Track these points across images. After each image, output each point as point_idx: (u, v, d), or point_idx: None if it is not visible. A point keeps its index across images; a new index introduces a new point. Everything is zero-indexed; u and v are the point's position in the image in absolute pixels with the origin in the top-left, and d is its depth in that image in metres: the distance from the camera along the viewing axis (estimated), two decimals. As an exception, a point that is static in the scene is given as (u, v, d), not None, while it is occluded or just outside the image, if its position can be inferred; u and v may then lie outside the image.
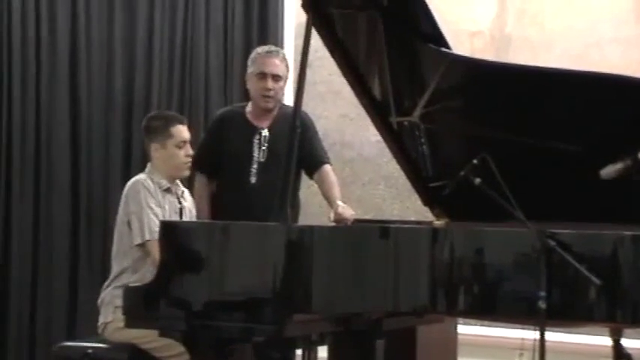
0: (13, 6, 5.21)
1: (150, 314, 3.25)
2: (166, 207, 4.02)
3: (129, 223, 3.95)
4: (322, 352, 3.77)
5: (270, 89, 4.41)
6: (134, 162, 5.23)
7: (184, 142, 4.09)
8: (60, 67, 5.34)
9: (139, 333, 3.71)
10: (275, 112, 4.51)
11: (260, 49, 4.60)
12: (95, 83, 5.41)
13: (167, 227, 3.36)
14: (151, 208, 3.94)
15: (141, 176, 4.06)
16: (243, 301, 3.10)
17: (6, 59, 5.22)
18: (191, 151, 4.13)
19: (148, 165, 4.13)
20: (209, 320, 3.13)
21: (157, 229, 3.84)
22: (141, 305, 3.26)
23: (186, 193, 4.24)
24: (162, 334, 3.36)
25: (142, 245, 3.91)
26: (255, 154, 4.44)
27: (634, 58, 4.82)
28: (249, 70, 4.51)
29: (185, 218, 4.11)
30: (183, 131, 4.10)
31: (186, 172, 4.16)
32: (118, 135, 5.42)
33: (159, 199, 4.00)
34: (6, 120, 5.22)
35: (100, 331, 3.99)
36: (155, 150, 4.09)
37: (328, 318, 3.31)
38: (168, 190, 4.06)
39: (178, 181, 4.18)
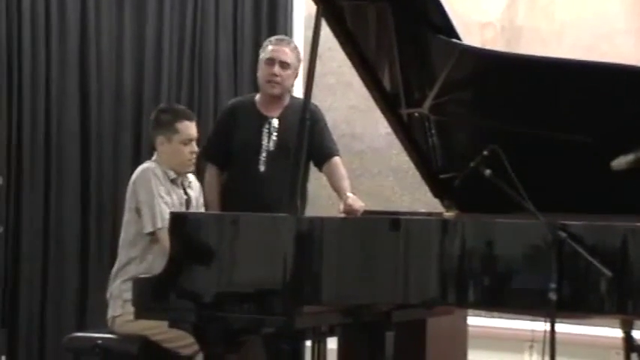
0: (23, 2, 5.22)
1: (160, 305, 3.25)
2: (174, 197, 4.02)
3: (138, 211, 3.95)
4: (332, 343, 3.77)
5: (276, 75, 4.42)
6: (144, 155, 5.21)
7: (190, 139, 4.06)
8: (70, 61, 5.34)
9: (149, 324, 3.72)
10: (286, 103, 4.52)
11: (272, 38, 4.64)
12: (105, 76, 5.42)
13: (177, 219, 3.36)
14: (162, 197, 3.94)
15: (150, 164, 4.06)
16: (253, 292, 3.11)
17: (16, 54, 5.22)
18: (196, 149, 4.10)
19: (155, 154, 4.13)
20: (219, 312, 3.14)
21: (167, 216, 3.85)
22: (151, 296, 3.27)
23: (194, 181, 4.21)
24: (172, 326, 3.36)
25: (153, 234, 3.92)
26: (265, 142, 4.45)
27: (645, 49, 4.81)
28: (260, 56, 4.53)
29: (191, 209, 4.10)
30: (190, 128, 4.08)
31: (190, 169, 4.13)
32: (127, 128, 5.42)
33: (168, 187, 4.01)
34: (16, 115, 5.22)
35: (109, 324, 4.00)
36: (160, 143, 4.08)
37: (338, 310, 3.31)
38: (174, 181, 4.06)
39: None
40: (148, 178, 3.96)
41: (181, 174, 4.10)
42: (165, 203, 3.94)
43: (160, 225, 3.89)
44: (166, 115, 4.13)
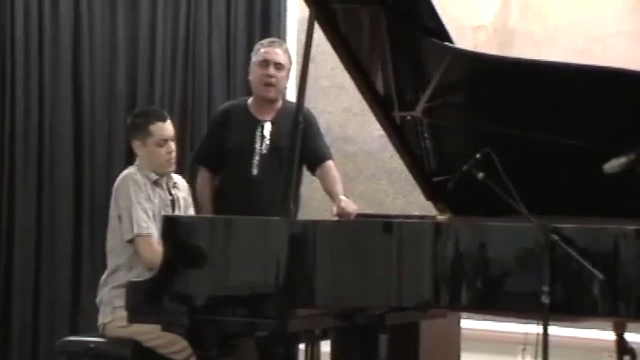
0: (16, 2, 5.21)
1: (152, 309, 3.25)
2: (156, 201, 3.99)
3: (119, 218, 3.94)
4: (325, 346, 3.77)
5: (271, 76, 4.42)
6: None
7: (165, 139, 4.02)
8: (63, 63, 5.34)
9: (139, 330, 3.72)
10: (278, 106, 4.52)
11: (263, 41, 4.65)
12: (98, 79, 5.41)
13: (170, 222, 3.35)
14: (140, 204, 3.91)
15: (131, 170, 4.04)
16: (246, 295, 3.10)
17: (9, 55, 5.21)
18: (173, 148, 4.05)
19: (137, 158, 4.11)
20: (212, 315, 3.14)
21: (144, 224, 3.85)
22: (143, 300, 3.26)
23: (180, 181, 4.18)
24: (165, 330, 3.36)
25: (132, 241, 3.90)
26: (257, 146, 4.45)
27: (637, 52, 4.81)
28: (252, 60, 4.53)
29: (179, 209, 4.09)
30: (163, 129, 4.03)
31: (170, 169, 4.08)
32: (120, 131, 5.40)
33: (148, 192, 3.98)
34: (9, 117, 5.22)
35: (100, 330, 3.99)
36: (137, 147, 4.07)
37: (331, 313, 3.31)
38: (157, 183, 4.03)
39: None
40: (127, 186, 3.94)
41: (163, 175, 4.08)
42: (144, 210, 3.90)
43: (136, 231, 3.87)
44: (139, 119, 4.11)
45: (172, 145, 4.06)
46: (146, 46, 5.45)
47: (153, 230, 3.88)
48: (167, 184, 4.09)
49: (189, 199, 4.24)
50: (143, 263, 3.83)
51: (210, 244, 3.22)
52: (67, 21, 5.35)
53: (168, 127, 4.06)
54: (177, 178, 4.18)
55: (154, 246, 3.82)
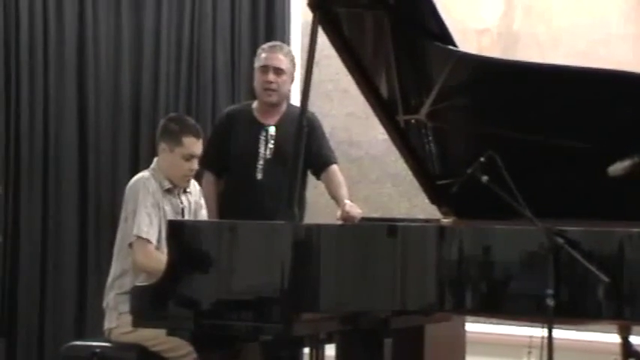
0: (21, 6, 5.23)
1: (158, 314, 3.25)
2: (166, 208, 3.98)
3: (126, 221, 3.94)
4: (330, 350, 3.77)
5: (271, 82, 4.42)
6: (142, 162, 5.22)
7: (192, 155, 4.00)
8: (67, 68, 5.35)
9: (145, 336, 3.72)
10: (283, 110, 4.52)
11: (265, 45, 4.63)
12: (103, 83, 5.42)
13: (175, 226, 3.36)
14: (146, 207, 3.89)
15: (144, 174, 4.04)
16: (251, 300, 3.11)
17: (14, 60, 5.23)
18: (196, 167, 4.04)
19: (155, 160, 4.11)
20: (217, 319, 3.14)
21: (145, 228, 3.84)
22: (149, 304, 3.27)
23: (192, 186, 4.16)
24: (170, 334, 3.36)
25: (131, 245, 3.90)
26: (262, 150, 4.45)
27: (641, 54, 4.81)
28: (255, 65, 4.53)
29: (189, 215, 4.08)
30: (194, 145, 4.02)
31: (184, 184, 4.06)
32: (125, 135, 5.42)
33: (158, 198, 3.97)
34: (14, 120, 5.23)
35: (105, 335, 3.99)
36: (162, 150, 4.06)
37: (336, 317, 3.31)
38: (169, 191, 4.03)
39: None
40: (137, 189, 3.94)
41: (177, 186, 4.07)
42: (147, 214, 3.88)
43: (135, 232, 3.86)
44: (174, 125, 4.08)
45: (196, 163, 4.05)
46: (150, 52, 5.46)
47: (152, 237, 3.86)
48: (178, 192, 4.09)
49: (201, 201, 4.21)
50: (135, 266, 3.83)
51: (215, 248, 3.23)
52: (71, 26, 5.36)
53: (199, 145, 4.03)
54: (193, 183, 4.17)
55: (149, 252, 3.82)
